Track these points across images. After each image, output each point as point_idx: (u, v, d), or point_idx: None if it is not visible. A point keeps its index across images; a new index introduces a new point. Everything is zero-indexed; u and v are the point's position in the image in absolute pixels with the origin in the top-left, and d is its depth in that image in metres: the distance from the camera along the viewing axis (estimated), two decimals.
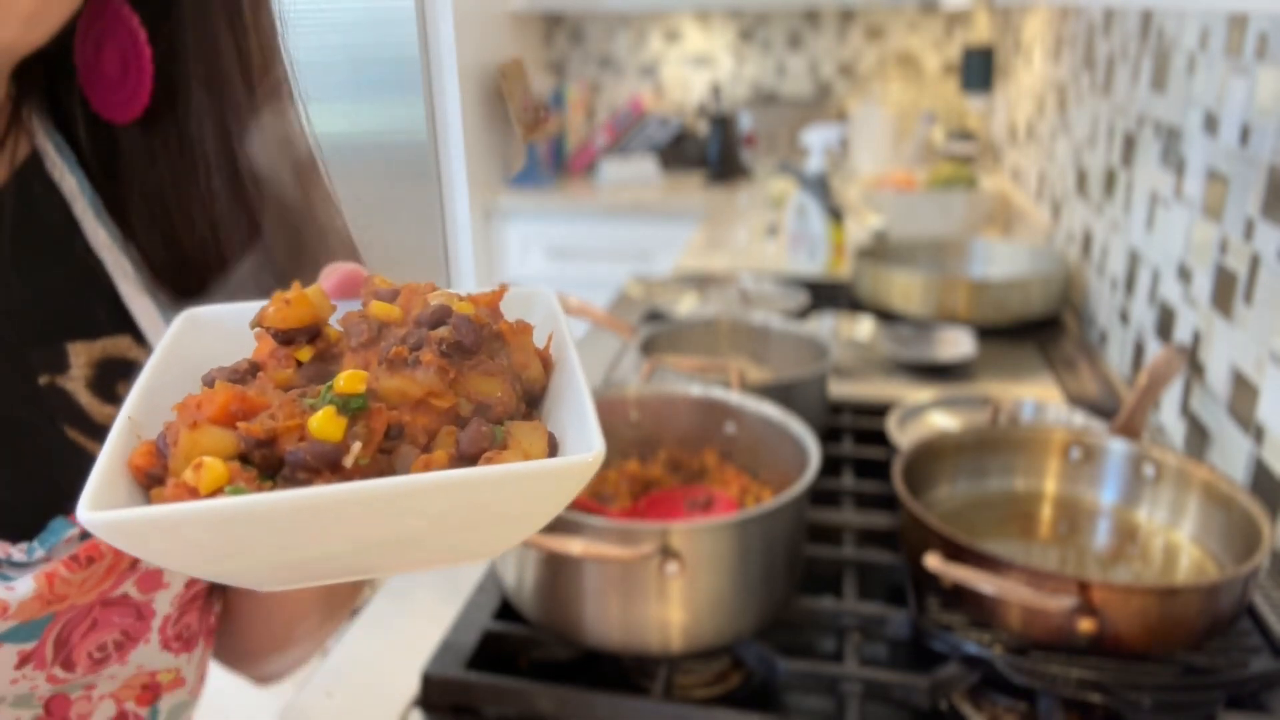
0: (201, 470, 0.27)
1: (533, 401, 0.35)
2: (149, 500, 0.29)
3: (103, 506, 0.27)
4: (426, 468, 0.29)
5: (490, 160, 3.11)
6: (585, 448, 0.29)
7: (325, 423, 0.29)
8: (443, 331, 0.32)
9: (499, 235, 2.88)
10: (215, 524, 0.26)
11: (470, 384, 0.32)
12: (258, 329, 0.34)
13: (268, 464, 0.29)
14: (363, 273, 0.37)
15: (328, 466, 0.28)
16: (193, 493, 0.27)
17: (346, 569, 0.31)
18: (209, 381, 0.32)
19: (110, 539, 0.27)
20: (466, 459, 0.30)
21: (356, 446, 0.29)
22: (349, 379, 0.30)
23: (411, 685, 0.75)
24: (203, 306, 0.37)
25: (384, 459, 0.30)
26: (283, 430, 0.29)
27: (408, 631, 0.82)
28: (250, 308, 0.36)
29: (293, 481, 0.28)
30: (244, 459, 0.29)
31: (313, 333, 0.34)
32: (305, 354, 0.33)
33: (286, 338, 0.33)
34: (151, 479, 0.29)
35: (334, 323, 0.35)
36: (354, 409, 0.29)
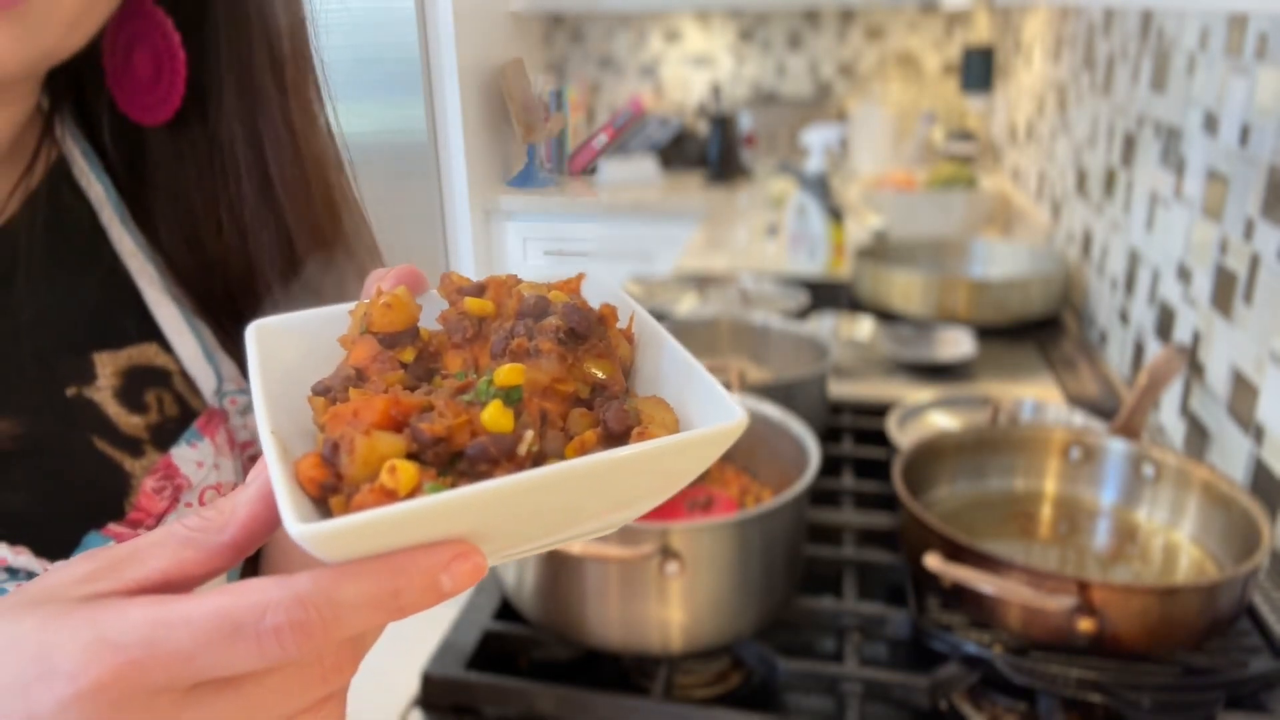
0: (397, 473, 0.28)
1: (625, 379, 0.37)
2: (329, 511, 0.30)
3: (307, 518, 0.28)
4: (582, 448, 0.31)
5: (490, 160, 3.11)
6: (728, 412, 0.31)
7: (496, 415, 0.30)
8: (555, 320, 0.34)
9: (499, 234, 2.88)
10: (432, 519, 0.28)
11: (584, 368, 0.34)
12: (354, 333, 0.35)
13: (440, 460, 0.30)
14: (420, 272, 0.38)
15: (505, 456, 0.30)
16: (391, 495, 0.28)
17: (511, 550, 0.33)
18: (321, 391, 0.33)
19: (325, 550, 0.27)
20: (615, 437, 0.32)
21: (529, 434, 0.31)
22: (508, 372, 0.32)
23: (412, 685, 0.75)
24: (266, 318, 0.38)
25: (539, 444, 0.32)
26: (456, 427, 0.30)
27: (408, 631, 0.82)
28: (315, 315, 0.38)
29: (474, 474, 0.30)
30: (416, 458, 0.30)
31: (414, 333, 0.35)
32: (408, 355, 0.34)
33: (392, 341, 0.34)
34: (325, 489, 0.30)
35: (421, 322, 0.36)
36: (515, 400, 0.31)
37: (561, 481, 0.29)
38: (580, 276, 0.37)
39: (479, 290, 0.36)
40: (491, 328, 0.35)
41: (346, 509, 0.29)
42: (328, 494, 0.30)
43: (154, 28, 0.47)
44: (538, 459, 0.31)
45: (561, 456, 0.31)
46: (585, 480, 0.29)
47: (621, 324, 0.37)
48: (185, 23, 0.47)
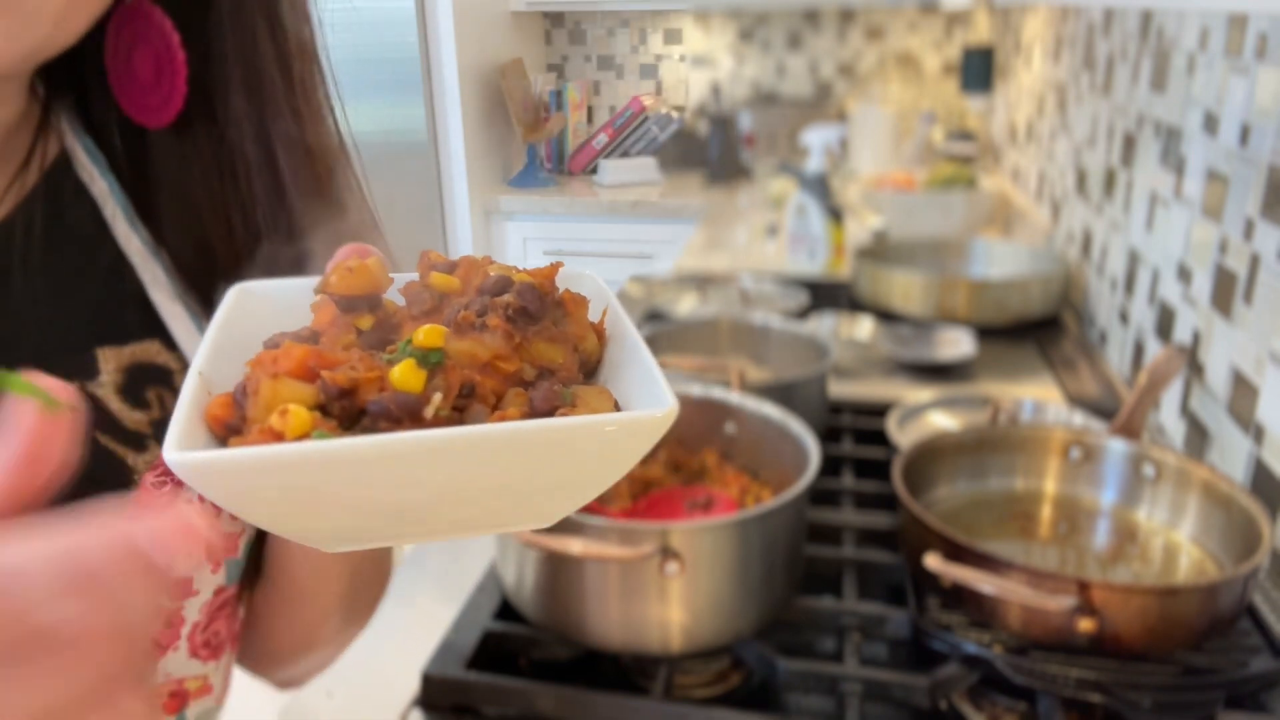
0: (288, 416, 0.28)
1: (588, 374, 0.36)
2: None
3: (188, 449, 0.27)
4: (501, 422, 0.30)
5: (490, 160, 3.10)
6: (658, 402, 0.30)
7: (406, 373, 0.29)
8: (508, 298, 0.33)
9: (499, 234, 2.88)
10: (305, 466, 0.27)
11: (534, 350, 0.33)
12: (319, 297, 0.34)
13: (346, 415, 0.29)
14: (368, 249, 0.37)
15: (409, 416, 0.29)
16: (278, 437, 0.28)
17: (412, 527, 0.32)
18: (273, 345, 0.32)
19: (196, 481, 0.27)
20: (539, 416, 0.30)
21: (437, 397, 0.29)
22: (428, 333, 0.30)
23: (412, 685, 0.75)
24: (254, 281, 0.37)
25: (457, 415, 0.30)
26: (364, 381, 0.29)
27: (408, 631, 0.82)
28: (300, 283, 0.37)
29: (373, 431, 0.29)
30: (323, 410, 0.29)
31: (374, 301, 0.34)
32: (366, 322, 0.34)
33: (349, 305, 0.34)
34: (229, 429, 0.29)
35: (387, 297, 0.35)
36: (433, 363, 0.30)
37: (449, 446, 0.27)
38: (557, 265, 0.36)
39: (451, 268, 0.35)
40: (452, 303, 0.34)
41: None
42: (230, 434, 0.29)
43: (153, 28, 0.46)
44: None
45: None
46: (476, 450, 0.28)
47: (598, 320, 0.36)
48: (188, 23, 0.47)
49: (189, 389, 0.30)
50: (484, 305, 0.33)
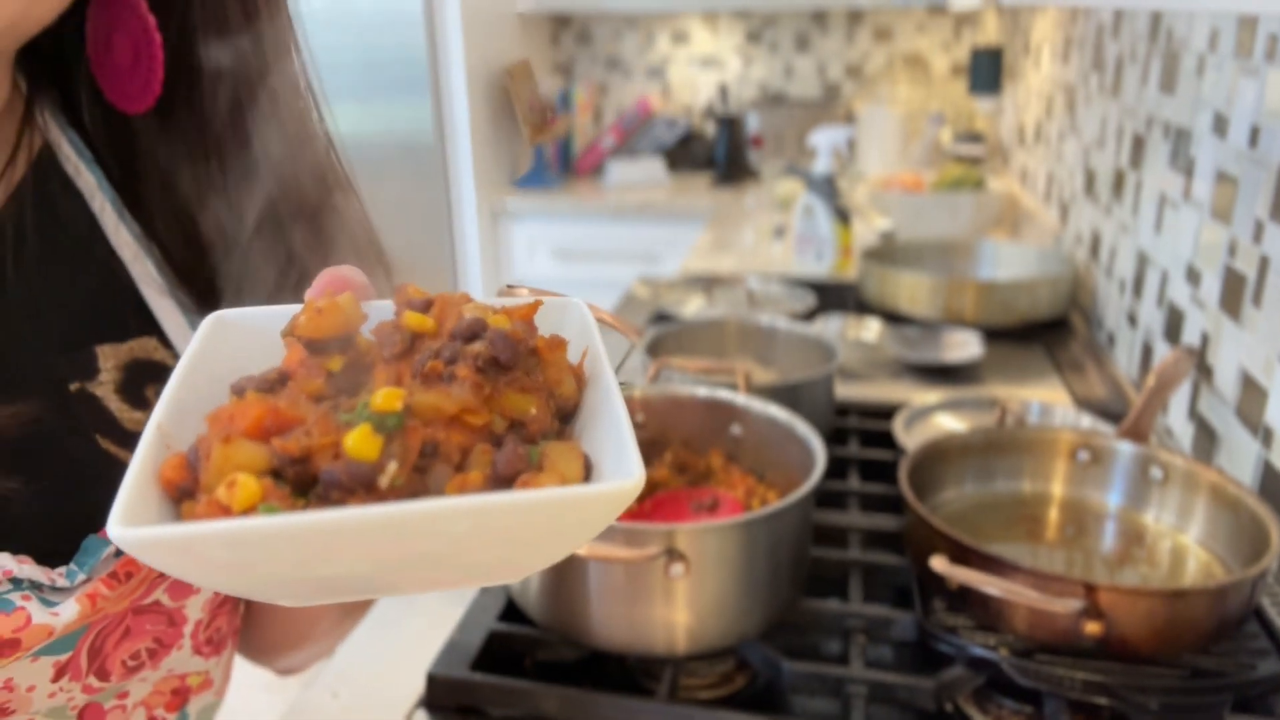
0: (235, 488, 0.27)
1: (564, 418, 0.34)
2: (179, 514, 0.28)
3: (134, 522, 0.26)
4: (462, 488, 0.29)
5: (497, 161, 3.10)
6: (625, 473, 0.29)
7: (361, 441, 0.28)
8: (478, 346, 0.31)
9: (506, 236, 2.89)
10: (249, 543, 0.26)
11: (505, 401, 0.31)
12: (285, 337, 0.33)
13: (301, 481, 0.28)
14: (350, 279, 0.36)
15: (362, 486, 0.28)
16: (225, 510, 0.27)
17: (374, 587, 0.31)
18: (238, 391, 0.31)
19: (142, 556, 0.26)
20: (502, 481, 0.29)
21: (392, 466, 0.28)
22: (386, 396, 0.29)
23: (416, 686, 0.75)
24: (230, 309, 0.36)
25: (418, 478, 0.29)
26: (318, 448, 0.28)
27: (413, 632, 0.83)
28: (278, 311, 0.36)
29: (326, 500, 0.28)
30: (277, 475, 0.28)
31: (345, 342, 0.33)
32: (336, 364, 0.33)
33: (318, 347, 0.33)
34: (182, 492, 0.29)
35: (365, 332, 0.34)
36: (390, 427, 0.29)
37: (399, 523, 0.26)
38: (537, 304, 0.35)
39: (426, 305, 0.34)
40: (425, 345, 0.32)
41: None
42: (184, 497, 0.29)
43: (130, 12, 0.46)
44: (417, 492, 0.28)
45: (442, 494, 0.29)
46: (429, 524, 0.27)
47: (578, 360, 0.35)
48: (165, 6, 0.47)
49: (143, 448, 0.29)
50: (454, 352, 0.31)
